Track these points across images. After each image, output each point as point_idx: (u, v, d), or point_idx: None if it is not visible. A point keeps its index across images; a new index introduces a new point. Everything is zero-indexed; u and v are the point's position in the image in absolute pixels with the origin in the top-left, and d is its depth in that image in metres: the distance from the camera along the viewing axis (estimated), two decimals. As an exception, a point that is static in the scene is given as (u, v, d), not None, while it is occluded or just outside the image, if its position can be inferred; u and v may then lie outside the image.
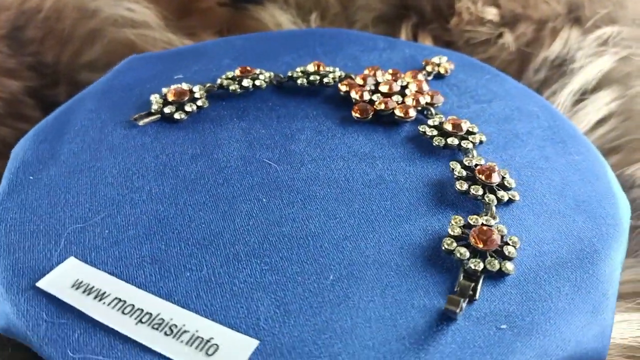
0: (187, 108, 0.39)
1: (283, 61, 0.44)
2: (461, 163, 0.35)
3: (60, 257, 0.30)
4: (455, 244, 0.30)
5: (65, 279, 0.29)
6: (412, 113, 0.38)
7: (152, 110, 0.39)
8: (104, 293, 0.28)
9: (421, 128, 0.37)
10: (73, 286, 0.28)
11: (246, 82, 0.40)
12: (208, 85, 0.41)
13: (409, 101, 0.39)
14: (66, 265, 0.29)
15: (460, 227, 0.31)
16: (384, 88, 0.40)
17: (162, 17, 0.54)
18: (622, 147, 0.46)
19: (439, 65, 0.44)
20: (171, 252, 0.30)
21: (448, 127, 0.37)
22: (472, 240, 0.30)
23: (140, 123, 0.38)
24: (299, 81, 0.41)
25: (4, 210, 0.33)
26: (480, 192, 0.33)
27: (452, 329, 0.27)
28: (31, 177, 0.35)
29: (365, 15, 0.57)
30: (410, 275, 0.29)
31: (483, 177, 0.33)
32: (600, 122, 0.48)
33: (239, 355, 0.26)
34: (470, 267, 0.29)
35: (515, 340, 0.26)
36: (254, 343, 0.26)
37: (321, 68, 0.42)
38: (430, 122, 0.38)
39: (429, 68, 0.43)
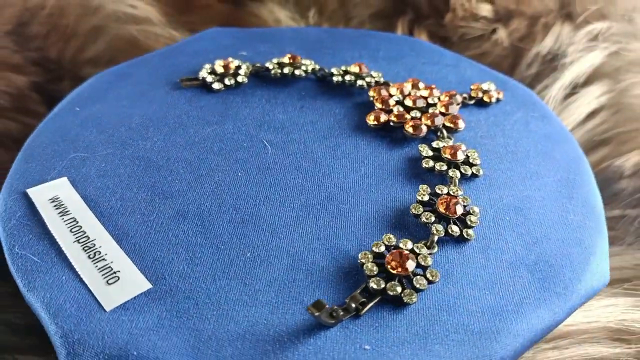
0: (227, 81, 0.42)
1: (343, 57, 0.46)
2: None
3: (58, 175, 0.35)
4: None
5: (49, 193, 0.34)
6: (423, 131, 0.38)
7: (198, 77, 0.42)
8: (68, 212, 0.33)
9: (420, 147, 0.37)
10: (50, 200, 0.34)
11: (287, 70, 0.43)
12: (257, 65, 0.43)
13: (424, 119, 0.39)
14: (56, 183, 0.35)
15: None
16: (407, 101, 0.40)
17: (164, 14, 0.55)
18: (611, 139, 0.47)
19: (485, 92, 0.43)
20: (139, 196, 0.34)
21: (446, 154, 0.36)
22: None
23: (183, 85, 0.42)
24: (334, 78, 0.42)
25: (42, 128, 0.39)
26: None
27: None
28: (77, 109, 0.40)
29: (363, 11, 0.58)
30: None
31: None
32: (591, 115, 0.49)
33: (128, 292, 0.29)
34: (372, 286, 0.29)
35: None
36: (146, 285, 0.30)
37: (363, 69, 0.43)
38: (433, 143, 0.37)
39: (473, 93, 0.43)
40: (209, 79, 0.42)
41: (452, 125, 0.39)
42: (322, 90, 0.43)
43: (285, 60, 0.43)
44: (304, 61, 0.43)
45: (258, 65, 0.43)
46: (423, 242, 0.31)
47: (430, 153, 0.37)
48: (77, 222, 0.33)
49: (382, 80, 0.43)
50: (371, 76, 0.43)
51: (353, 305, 0.28)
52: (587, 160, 0.40)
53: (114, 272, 0.30)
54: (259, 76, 0.43)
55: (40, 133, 0.38)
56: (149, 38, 0.53)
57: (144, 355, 0.27)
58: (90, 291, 0.29)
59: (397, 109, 0.39)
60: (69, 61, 0.52)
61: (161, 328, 0.28)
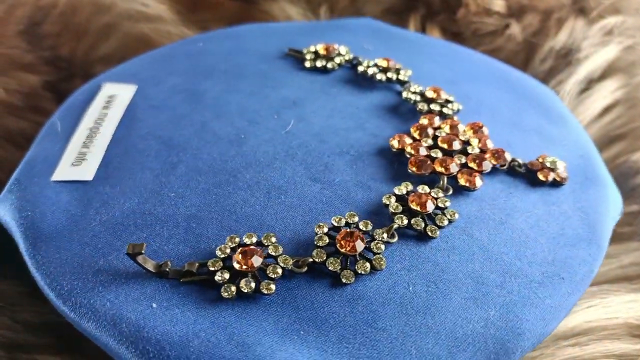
0: (318, 63, 0.44)
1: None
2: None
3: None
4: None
5: (115, 91, 0.42)
6: (479, 182, 0.35)
7: (302, 51, 0.45)
8: (106, 111, 0.40)
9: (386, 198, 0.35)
10: (110, 96, 0.41)
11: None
12: (356, 57, 0.44)
13: (472, 164, 0.36)
14: (128, 86, 0.42)
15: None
16: (443, 144, 0.37)
17: (175, 12, 0.55)
18: (627, 134, 0.47)
19: (552, 170, 0.36)
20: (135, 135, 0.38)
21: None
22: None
23: (287, 52, 0.45)
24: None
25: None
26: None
27: None
28: (200, 44, 0.46)
29: (374, 7, 0.58)
30: None
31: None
32: (606, 110, 0.49)
33: (73, 174, 0.35)
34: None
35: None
36: (88, 176, 0.35)
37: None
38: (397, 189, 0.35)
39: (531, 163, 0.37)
40: (307, 56, 0.44)
41: (467, 184, 0.35)
42: (353, 82, 0.43)
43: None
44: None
45: (357, 57, 0.44)
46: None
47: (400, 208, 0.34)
48: (103, 122, 0.39)
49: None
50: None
51: (187, 269, 0.29)
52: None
53: (82, 160, 0.36)
54: (352, 67, 0.44)
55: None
56: (161, 36, 0.53)
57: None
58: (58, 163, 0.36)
59: (435, 153, 0.36)
60: (81, 60, 0.52)
61: None
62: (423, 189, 0.34)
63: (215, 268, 0.29)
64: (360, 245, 0.30)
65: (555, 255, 0.32)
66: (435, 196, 0.33)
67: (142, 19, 0.54)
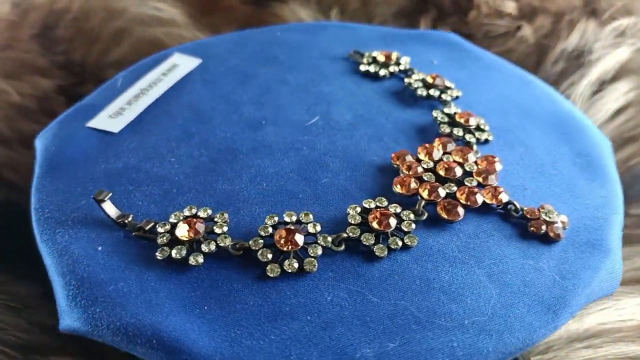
0: (371, 68, 0.44)
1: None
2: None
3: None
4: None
5: (180, 61, 0.45)
6: (461, 215, 0.33)
7: (365, 54, 0.45)
8: (161, 79, 0.43)
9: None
10: (173, 65, 0.44)
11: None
12: (411, 68, 0.44)
13: (460, 196, 0.34)
14: (193, 59, 0.45)
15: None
16: (440, 170, 0.35)
17: (188, 15, 0.56)
18: (639, 136, 0.47)
19: (547, 222, 0.33)
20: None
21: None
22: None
23: (350, 55, 0.45)
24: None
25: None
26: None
27: None
28: (279, 33, 0.48)
29: (385, 10, 0.58)
30: None
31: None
32: (618, 112, 0.48)
33: (109, 125, 0.39)
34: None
35: None
36: (115, 129, 0.38)
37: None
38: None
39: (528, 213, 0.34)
40: (365, 60, 0.44)
41: (443, 214, 0.33)
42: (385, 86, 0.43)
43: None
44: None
45: (412, 69, 0.43)
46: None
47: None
48: (155, 85, 0.42)
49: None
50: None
51: (141, 225, 0.31)
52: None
53: (119, 114, 0.39)
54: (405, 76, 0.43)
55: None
56: (174, 40, 0.53)
57: None
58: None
59: (428, 176, 0.35)
60: (93, 64, 0.53)
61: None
62: (395, 208, 0.32)
63: (163, 230, 0.31)
64: (300, 238, 0.31)
65: (497, 311, 0.29)
66: (404, 217, 0.32)
67: (155, 23, 0.54)
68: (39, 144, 0.38)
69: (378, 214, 0.32)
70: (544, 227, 0.32)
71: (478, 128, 0.38)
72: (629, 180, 0.45)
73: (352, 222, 0.31)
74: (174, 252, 0.30)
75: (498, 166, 0.35)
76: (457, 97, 0.41)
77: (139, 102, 0.40)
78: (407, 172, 0.34)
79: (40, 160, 0.37)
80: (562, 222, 0.32)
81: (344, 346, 0.27)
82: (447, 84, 0.41)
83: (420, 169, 0.34)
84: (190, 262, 0.30)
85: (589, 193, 0.35)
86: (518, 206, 0.33)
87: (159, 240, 0.31)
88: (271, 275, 0.30)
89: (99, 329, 0.28)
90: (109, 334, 0.28)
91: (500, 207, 0.33)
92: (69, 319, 0.29)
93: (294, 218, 0.32)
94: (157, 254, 0.30)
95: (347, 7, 0.59)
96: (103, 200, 0.31)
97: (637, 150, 0.46)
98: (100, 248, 0.31)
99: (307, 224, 0.31)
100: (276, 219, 0.32)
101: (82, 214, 0.33)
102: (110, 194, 0.32)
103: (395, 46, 0.46)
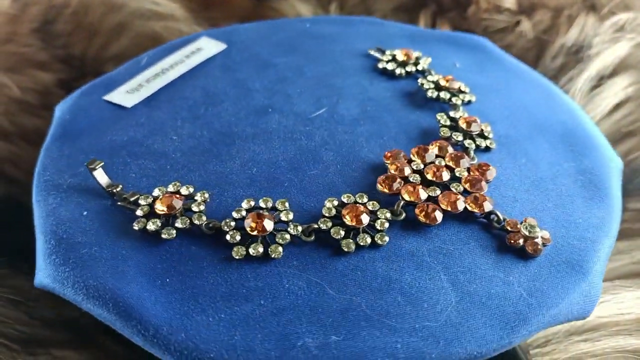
0: (389, 66, 0.43)
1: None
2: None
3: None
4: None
5: (206, 44, 0.46)
6: (438, 219, 0.32)
7: (386, 52, 0.44)
8: (184, 61, 0.44)
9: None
10: (198, 48, 0.45)
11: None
12: (428, 70, 0.43)
13: (442, 200, 0.33)
14: (218, 43, 0.46)
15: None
16: (427, 173, 0.34)
17: (187, 10, 0.56)
18: (638, 131, 0.47)
19: (527, 237, 0.32)
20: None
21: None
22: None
23: (371, 50, 0.45)
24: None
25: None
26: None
27: None
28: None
29: (384, 5, 0.58)
30: None
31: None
32: (617, 107, 0.49)
33: (124, 100, 0.40)
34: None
35: None
36: (129, 103, 0.40)
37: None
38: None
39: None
40: (385, 57, 0.44)
41: (420, 216, 0.32)
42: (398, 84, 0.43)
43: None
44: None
45: (430, 70, 0.43)
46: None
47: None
48: (176, 66, 0.43)
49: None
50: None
51: (127, 196, 0.33)
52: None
53: (136, 90, 0.41)
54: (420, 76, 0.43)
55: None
56: (172, 34, 0.53)
57: None
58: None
59: (413, 178, 0.34)
60: (93, 58, 0.53)
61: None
62: (373, 205, 0.32)
63: (144, 202, 0.32)
64: (269, 224, 0.31)
65: (451, 319, 0.29)
66: (379, 216, 0.32)
67: (154, 17, 0.54)
68: (57, 111, 0.40)
69: (352, 209, 0.32)
70: (521, 240, 0.31)
71: (481, 135, 0.37)
72: (628, 175, 0.45)
73: (327, 214, 0.32)
74: (149, 224, 0.31)
75: (491, 175, 0.34)
76: (469, 102, 0.40)
77: (157, 80, 0.42)
78: (394, 171, 0.34)
79: (54, 127, 0.39)
80: (543, 238, 0.32)
81: (288, 333, 0.27)
82: (463, 87, 0.41)
83: (408, 170, 0.34)
84: (162, 235, 0.31)
85: (584, 212, 0.34)
86: (501, 217, 0.32)
87: (138, 212, 0.32)
88: (236, 257, 0.30)
89: (64, 287, 0.29)
90: (72, 292, 0.29)
91: (483, 216, 0.33)
92: (41, 275, 0.30)
93: (270, 204, 0.32)
94: (134, 224, 0.31)
95: (346, 2, 0.59)
96: (94, 169, 0.33)
97: (636, 144, 0.46)
98: (85, 213, 0.32)
99: (281, 211, 0.32)
100: (252, 203, 0.32)
101: (77, 180, 0.35)
102: (102, 164, 0.33)
103: (421, 46, 0.46)
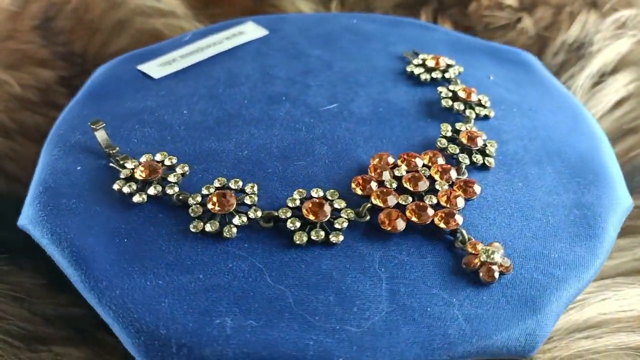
0: (415, 70, 0.43)
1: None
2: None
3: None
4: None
5: (247, 29, 0.47)
6: (398, 227, 0.32)
7: (419, 56, 0.44)
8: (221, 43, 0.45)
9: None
10: (239, 32, 0.46)
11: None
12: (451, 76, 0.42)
13: (409, 210, 0.32)
14: (262, 32, 0.47)
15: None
16: (406, 182, 0.34)
17: (188, 7, 0.55)
18: (639, 128, 0.47)
19: (482, 263, 0.31)
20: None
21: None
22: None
23: (406, 53, 0.44)
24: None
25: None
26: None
27: None
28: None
29: (386, 2, 0.58)
30: None
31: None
32: (618, 104, 0.49)
33: (156, 71, 0.42)
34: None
35: None
36: (157, 74, 0.42)
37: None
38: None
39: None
40: (415, 61, 0.43)
41: (381, 222, 0.32)
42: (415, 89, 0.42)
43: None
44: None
45: (456, 79, 0.42)
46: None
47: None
48: (214, 46, 0.44)
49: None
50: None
51: (119, 159, 0.34)
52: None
53: (168, 64, 0.42)
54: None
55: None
56: (174, 31, 0.53)
57: None
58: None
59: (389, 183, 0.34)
60: (94, 55, 0.53)
61: None
62: (339, 203, 0.32)
63: (131, 166, 0.34)
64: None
65: (375, 328, 0.28)
66: (342, 215, 0.32)
67: (155, 14, 0.54)
68: (95, 73, 0.43)
69: (314, 204, 0.32)
70: (477, 263, 0.30)
71: (482, 151, 0.36)
72: (630, 172, 0.45)
73: (290, 204, 0.32)
74: (125, 187, 0.33)
75: (473, 193, 0.33)
76: (485, 117, 0.39)
77: (190, 57, 0.43)
78: (372, 173, 0.34)
79: (84, 88, 0.41)
80: (503, 266, 0.30)
81: (211, 310, 0.28)
82: (484, 101, 0.40)
83: (387, 174, 0.34)
84: (134, 198, 0.33)
85: (563, 248, 0.33)
86: (466, 237, 0.32)
87: (121, 174, 0.34)
88: (192, 230, 0.31)
89: (35, 229, 0.32)
90: (40, 235, 0.32)
91: (449, 233, 0.32)
92: (23, 217, 0.33)
93: (240, 184, 0.33)
94: (114, 184, 0.33)
95: (347, -1, 0.59)
96: (96, 129, 0.35)
97: (638, 141, 0.46)
98: (79, 168, 0.35)
99: (247, 194, 0.33)
100: (224, 182, 0.33)
101: (85, 138, 0.37)
102: (104, 125, 0.35)
103: (462, 54, 0.45)
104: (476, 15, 0.55)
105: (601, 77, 0.50)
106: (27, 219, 0.33)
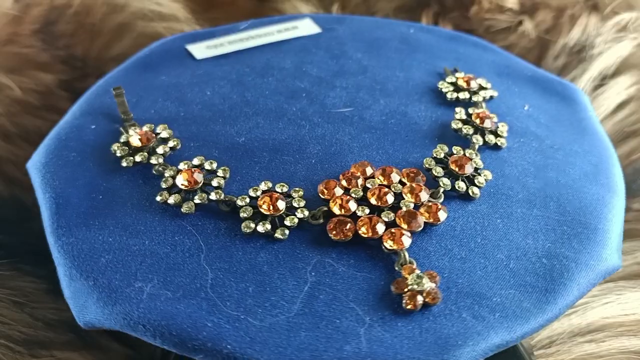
0: (444, 87, 0.41)
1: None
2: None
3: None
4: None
5: (300, 24, 0.47)
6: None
7: (455, 74, 0.42)
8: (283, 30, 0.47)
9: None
10: (292, 27, 0.47)
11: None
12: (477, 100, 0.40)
13: (362, 222, 0.31)
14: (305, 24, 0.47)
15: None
16: (372, 196, 0.32)
17: (189, 10, 0.56)
18: (641, 131, 0.47)
19: (411, 291, 0.29)
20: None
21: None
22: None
23: (444, 69, 0.43)
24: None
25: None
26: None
27: None
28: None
29: (386, 5, 0.58)
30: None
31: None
32: (620, 107, 0.49)
33: (202, 53, 0.44)
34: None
35: None
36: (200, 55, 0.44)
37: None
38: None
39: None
40: (448, 78, 0.41)
41: (329, 231, 0.31)
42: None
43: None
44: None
45: (480, 103, 0.40)
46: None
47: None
48: (264, 37, 0.45)
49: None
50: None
51: (131, 131, 0.36)
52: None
53: (214, 48, 0.44)
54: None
55: None
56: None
57: None
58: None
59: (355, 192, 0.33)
60: (95, 59, 0.53)
61: None
62: (298, 201, 0.32)
63: (131, 133, 0.36)
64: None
65: (274, 327, 0.28)
66: (297, 213, 0.32)
67: (156, 18, 0.54)
68: (152, 44, 0.45)
69: (269, 196, 0.32)
70: (405, 290, 0.29)
71: (470, 179, 0.34)
72: (631, 175, 0.45)
73: (251, 194, 0.33)
74: (120, 150, 0.35)
75: (435, 217, 0.32)
76: (495, 145, 0.37)
77: (238, 44, 0.44)
78: (342, 180, 0.33)
79: (135, 56, 0.44)
80: (431, 296, 0.28)
81: (136, 274, 0.30)
82: (500, 130, 0.38)
83: (358, 183, 0.33)
84: (122, 162, 0.34)
85: (509, 296, 0.30)
86: (407, 260, 0.30)
87: (121, 139, 0.35)
88: (158, 199, 0.32)
89: (32, 173, 0.35)
90: (34, 179, 0.34)
91: (394, 252, 0.31)
92: (31, 161, 0.36)
93: (215, 166, 0.34)
94: (113, 145, 0.35)
95: (348, 2, 0.59)
96: (117, 96, 0.37)
97: (639, 144, 0.46)
98: (93, 127, 0.37)
99: (219, 177, 0.33)
100: (195, 162, 0.34)
101: (110, 102, 0.39)
102: (123, 92, 0.37)
103: (505, 78, 0.43)
104: (477, 18, 0.55)
105: (602, 80, 0.50)
106: (32, 163, 0.35)
